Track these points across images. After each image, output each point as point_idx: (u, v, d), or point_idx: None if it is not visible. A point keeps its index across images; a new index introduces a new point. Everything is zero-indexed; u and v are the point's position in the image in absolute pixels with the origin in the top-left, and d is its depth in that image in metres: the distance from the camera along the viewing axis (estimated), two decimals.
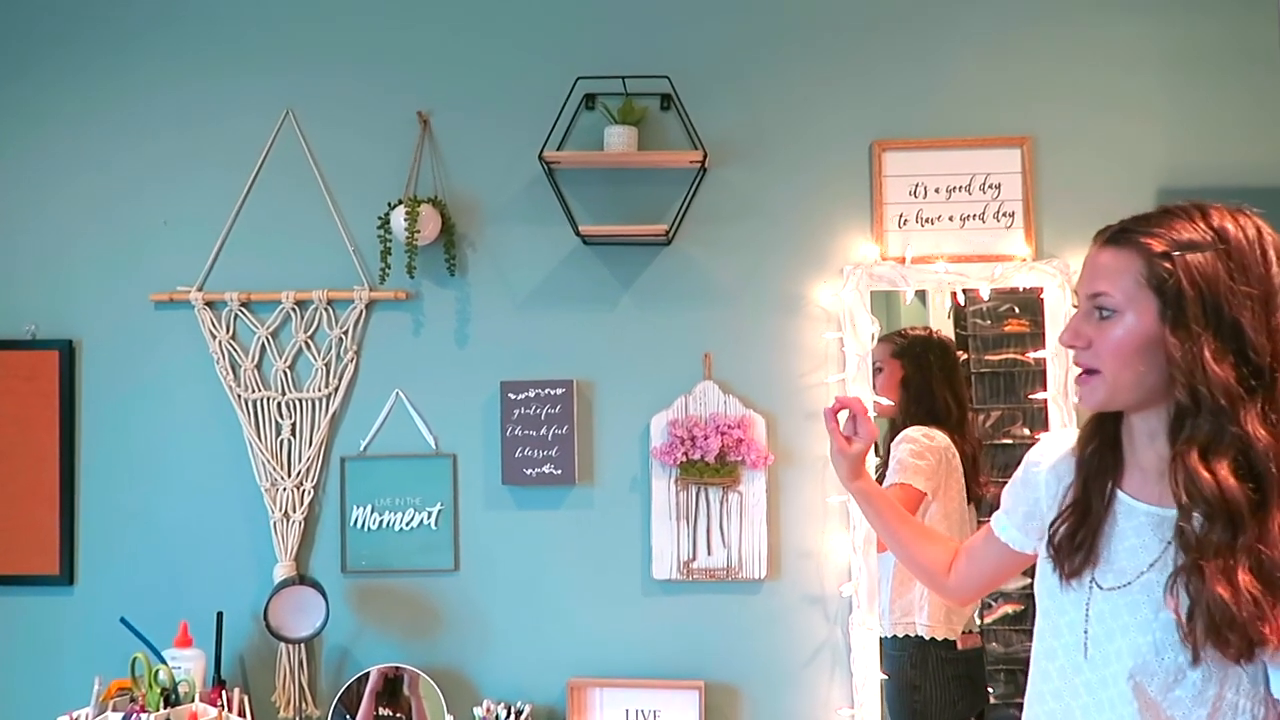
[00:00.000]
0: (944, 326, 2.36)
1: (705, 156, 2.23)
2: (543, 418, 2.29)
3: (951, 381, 2.34)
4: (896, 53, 2.31)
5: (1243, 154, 2.24)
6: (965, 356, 2.43)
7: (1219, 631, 1.06)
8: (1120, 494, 1.22)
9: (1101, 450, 1.25)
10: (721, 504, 2.27)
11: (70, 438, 2.38)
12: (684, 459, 2.25)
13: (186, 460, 2.37)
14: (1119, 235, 1.18)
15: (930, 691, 2.27)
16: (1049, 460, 1.34)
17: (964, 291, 2.28)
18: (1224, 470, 1.08)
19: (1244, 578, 1.06)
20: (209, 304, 2.36)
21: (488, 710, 2.21)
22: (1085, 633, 1.21)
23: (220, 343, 2.36)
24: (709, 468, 2.25)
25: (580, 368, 2.33)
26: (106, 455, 2.39)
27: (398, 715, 2.24)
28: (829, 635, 2.27)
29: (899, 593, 2.29)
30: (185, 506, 2.37)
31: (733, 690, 2.27)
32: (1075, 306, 1.22)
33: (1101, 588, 1.20)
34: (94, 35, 2.43)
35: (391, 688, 2.26)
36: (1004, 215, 2.27)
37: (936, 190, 2.28)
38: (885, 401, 2.27)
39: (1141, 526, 1.19)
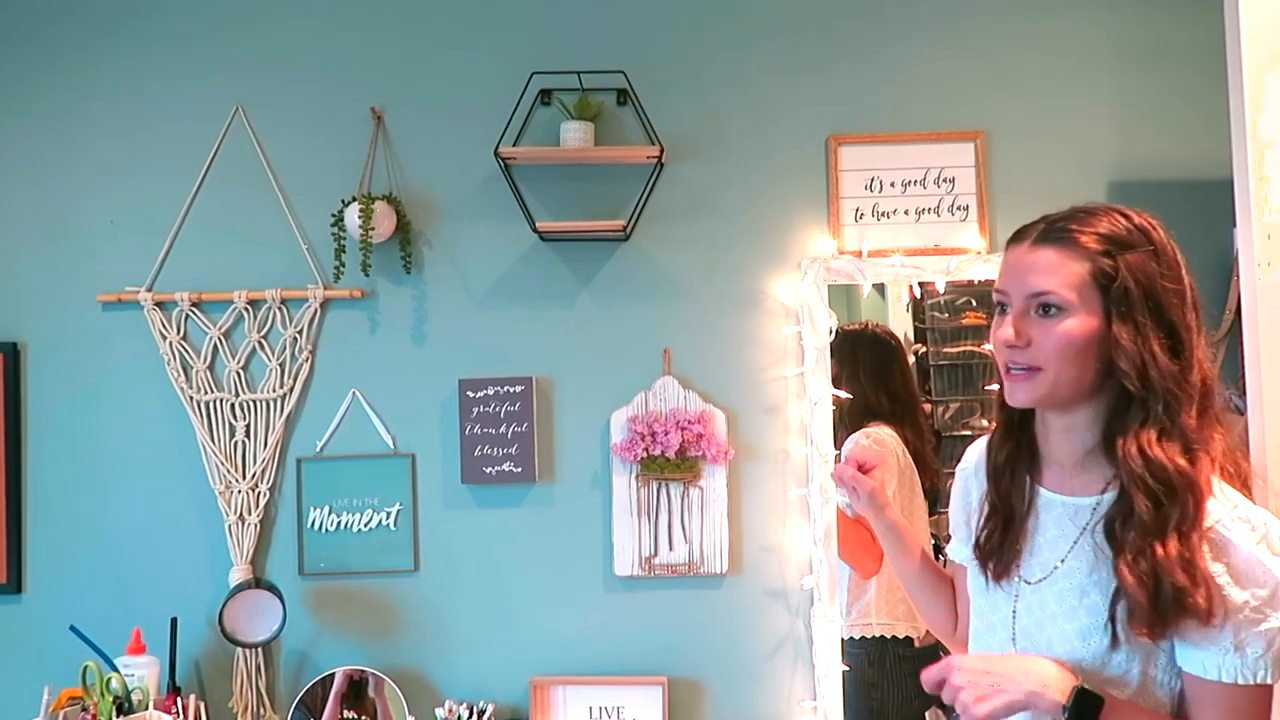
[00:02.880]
0: (902, 320, 2.38)
1: (662, 152, 2.22)
2: (502, 415, 2.27)
3: (884, 376, 2.36)
4: (852, 47, 2.32)
5: (1193, 147, 2.26)
6: (924, 349, 2.46)
7: (1142, 620, 1.10)
8: (1041, 490, 1.26)
9: (1016, 455, 1.28)
10: (682, 499, 2.27)
11: (16, 442, 2.32)
12: (644, 455, 2.24)
13: (138, 464, 2.33)
14: (1054, 234, 1.19)
15: (887, 690, 2.29)
16: (972, 466, 1.39)
17: (920, 285, 2.30)
18: (1175, 452, 1.12)
19: (1178, 574, 1.09)
20: (159, 304, 2.32)
21: (450, 711, 2.19)
22: (1014, 627, 1.24)
23: (171, 344, 2.31)
24: (669, 463, 2.25)
25: (539, 365, 2.32)
26: (54, 460, 2.34)
27: (362, 718, 2.22)
28: (791, 628, 2.28)
29: (855, 595, 2.30)
30: (137, 511, 2.32)
31: (696, 685, 2.28)
32: (999, 306, 1.24)
33: (1029, 583, 1.24)
34: (41, 37, 2.37)
35: (356, 690, 2.24)
36: (958, 209, 2.29)
37: (892, 184, 2.29)
38: (843, 394, 2.27)
39: (1060, 518, 1.23)
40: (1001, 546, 1.26)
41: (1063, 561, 1.20)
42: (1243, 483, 1.17)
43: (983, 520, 1.30)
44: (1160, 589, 1.10)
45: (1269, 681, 1.10)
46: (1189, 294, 1.16)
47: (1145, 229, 1.17)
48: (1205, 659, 1.11)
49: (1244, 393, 1.64)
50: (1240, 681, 1.10)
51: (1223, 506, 1.12)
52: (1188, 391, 1.14)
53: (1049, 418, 1.24)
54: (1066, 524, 1.22)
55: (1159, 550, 1.10)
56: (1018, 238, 1.23)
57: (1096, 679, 1.16)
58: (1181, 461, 1.12)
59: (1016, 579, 1.25)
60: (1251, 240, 1.59)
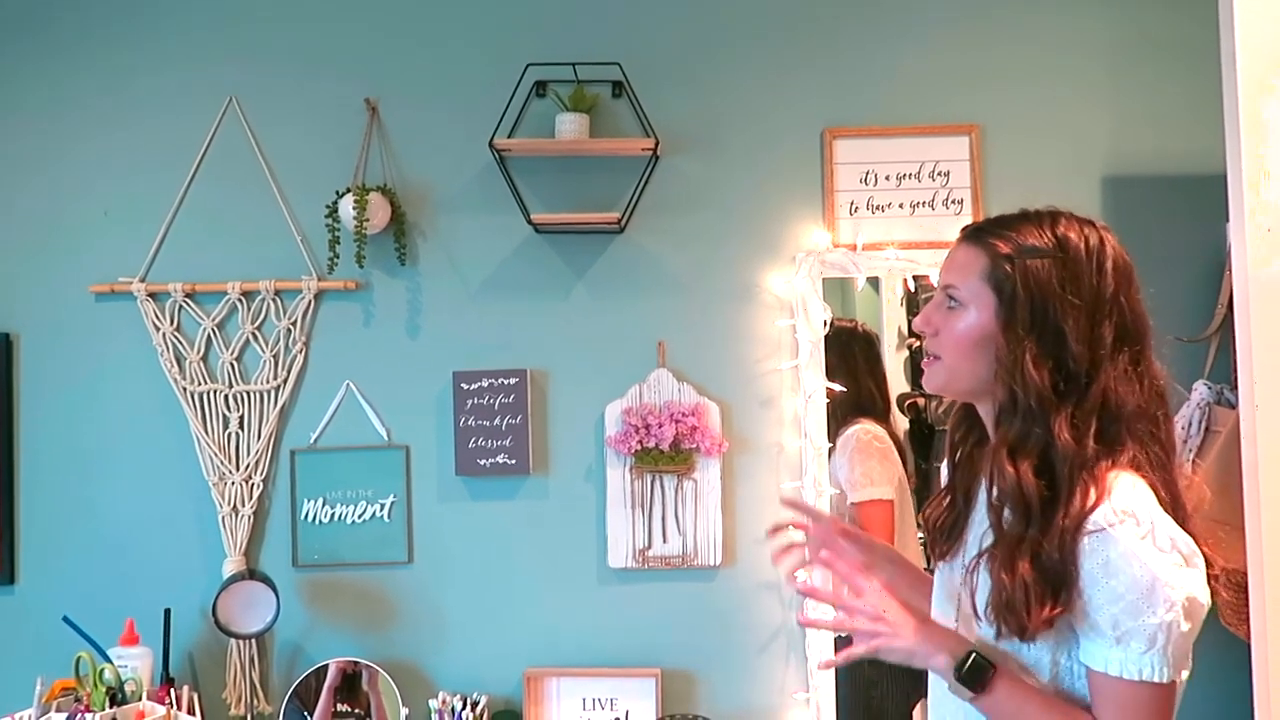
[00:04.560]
0: (896, 314, 2.37)
1: (657, 144, 2.22)
2: (496, 408, 2.27)
3: (875, 372, 2.37)
4: (848, 40, 2.32)
5: (1187, 141, 2.26)
6: (918, 343, 2.46)
7: (999, 612, 1.13)
8: (981, 476, 1.26)
9: (968, 438, 1.32)
10: (676, 492, 2.27)
11: (9, 433, 2.32)
12: (639, 447, 2.24)
13: (131, 455, 2.32)
14: (975, 233, 1.24)
15: (887, 686, 2.29)
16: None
17: (914, 278, 2.29)
18: (1025, 467, 1.14)
19: (1023, 566, 1.11)
20: (152, 295, 2.31)
21: (443, 702, 2.20)
22: (956, 609, 1.26)
23: (164, 335, 2.30)
24: (664, 456, 2.25)
25: (534, 357, 2.31)
26: (47, 451, 2.33)
27: (356, 711, 2.21)
28: (784, 620, 2.28)
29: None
30: (130, 502, 2.32)
31: (689, 677, 2.28)
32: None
33: (965, 569, 1.24)
34: (33, 29, 2.35)
35: (349, 683, 2.23)
36: (953, 202, 2.29)
37: (887, 178, 2.29)
38: (836, 388, 2.27)
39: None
40: (945, 527, 1.30)
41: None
42: (1173, 502, 1.16)
43: (935, 499, 1.33)
44: (992, 594, 1.14)
45: (1159, 680, 1.09)
46: (1107, 307, 1.16)
47: (1064, 238, 1.17)
48: (1094, 650, 1.12)
49: (1236, 387, 1.64)
50: (1126, 676, 1.09)
51: (1108, 508, 1.10)
52: (1058, 408, 1.14)
53: (978, 409, 1.27)
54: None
55: (999, 557, 1.14)
56: (959, 234, 1.27)
57: (1008, 665, 1.17)
58: (1030, 479, 1.13)
59: (959, 563, 1.27)
60: (1244, 235, 1.59)
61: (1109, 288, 1.16)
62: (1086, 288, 1.15)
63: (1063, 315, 1.14)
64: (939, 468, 1.48)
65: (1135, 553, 1.08)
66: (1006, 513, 1.16)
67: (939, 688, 1.26)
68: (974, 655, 1.15)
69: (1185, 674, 1.14)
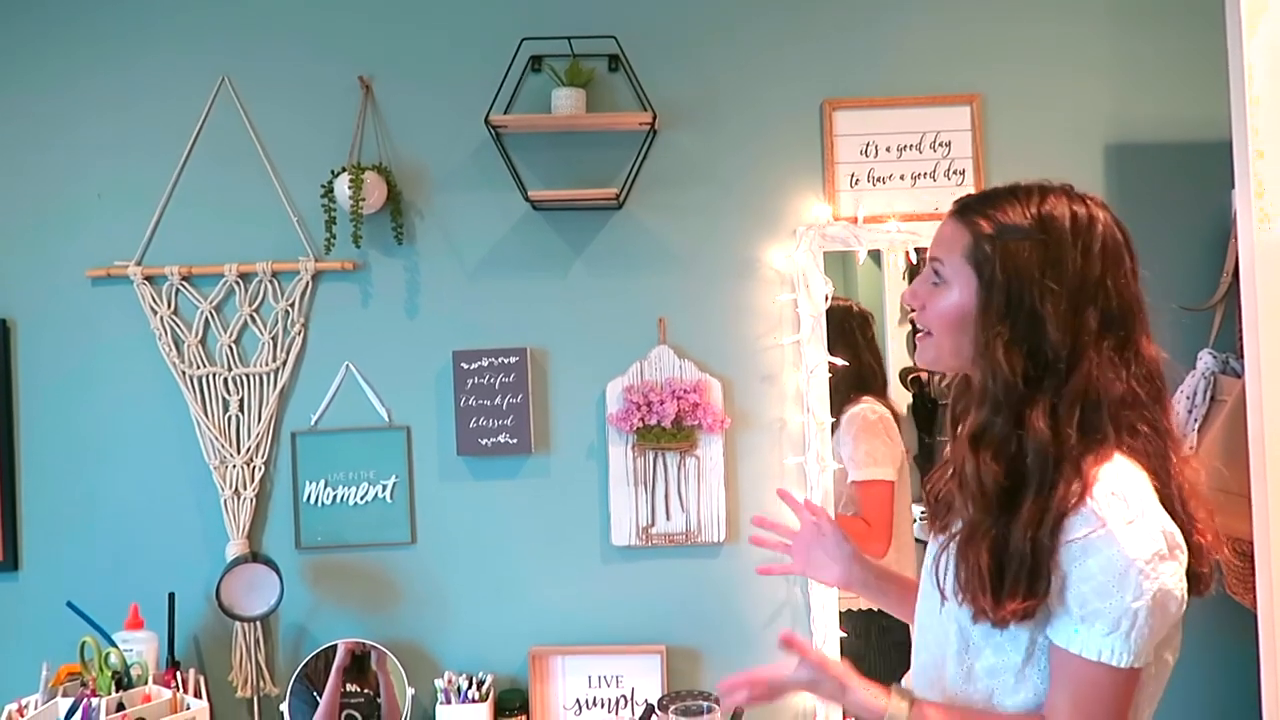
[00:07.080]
0: (898, 286, 2.35)
1: (655, 118, 2.19)
2: (497, 387, 2.27)
3: (873, 348, 2.36)
4: (847, 9, 2.28)
5: (1189, 108, 2.23)
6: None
7: (964, 595, 1.14)
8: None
9: (969, 410, 1.26)
10: (679, 469, 2.27)
11: (8, 420, 2.31)
12: (640, 424, 2.24)
13: (131, 440, 2.31)
14: (962, 209, 1.20)
15: (874, 661, 2.30)
16: None
17: (916, 250, 2.27)
18: (986, 456, 1.12)
19: (981, 555, 1.11)
20: (148, 279, 2.29)
21: (449, 682, 2.20)
22: (936, 574, 1.25)
23: (161, 318, 2.29)
24: (666, 433, 2.24)
25: (533, 335, 2.30)
26: (47, 437, 2.32)
27: (365, 691, 2.22)
28: (788, 595, 2.29)
29: None
30: (132, 487, 2.32)
31: (694, 653, 2.29)
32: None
33: (939, 549, 1.25)
34: (25, 13, 2.32)
35: (358, 664, 2.24)
36: (954, 173, 2.27)
37: (888, 149, 2.27)
38: (839, 362, 2.26)
39: None
40: (945, 500, 1.28)
41: None
42: (1167, 489, 1.13)
43: (937, 469, 1.32)
44: (955, 580, 1.15)
45: (1117, 664, 1.08)
46: (1092, 291, 1.11)
47: (1048, 216, 1.12)
48: (1060, 626, 1.11)
49: (1242, 355, 1.63)
50: (1086, 655, 1.08)
51: (1096, 488, 1.08)
52: (1032, 398, 1.11)
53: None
54: None
55: (961, 539, 1.15)
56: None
57: (990, 640, 1.17)
58: (990, 468, 1.11)
59: (951, 532, 1.26)
60: (1249, 200, 1.57)
61: (1095, 271, 1.12)
62: (1069, 272, 1.11)
63: (1041, 301, 1.10)
64: (943, 442, 1.48)
65: (1116, 535, 1.06)
66: (957, 497, 1.16)
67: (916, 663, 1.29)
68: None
69: (1172, 659, 1.15)
